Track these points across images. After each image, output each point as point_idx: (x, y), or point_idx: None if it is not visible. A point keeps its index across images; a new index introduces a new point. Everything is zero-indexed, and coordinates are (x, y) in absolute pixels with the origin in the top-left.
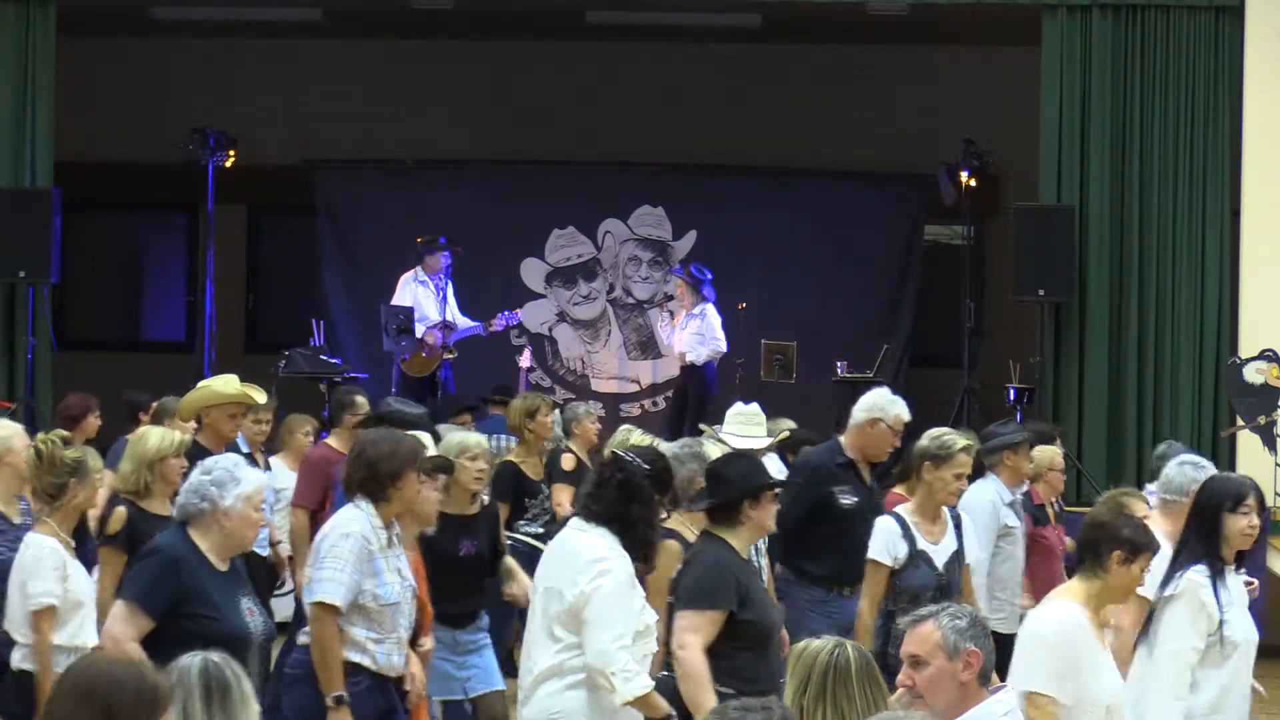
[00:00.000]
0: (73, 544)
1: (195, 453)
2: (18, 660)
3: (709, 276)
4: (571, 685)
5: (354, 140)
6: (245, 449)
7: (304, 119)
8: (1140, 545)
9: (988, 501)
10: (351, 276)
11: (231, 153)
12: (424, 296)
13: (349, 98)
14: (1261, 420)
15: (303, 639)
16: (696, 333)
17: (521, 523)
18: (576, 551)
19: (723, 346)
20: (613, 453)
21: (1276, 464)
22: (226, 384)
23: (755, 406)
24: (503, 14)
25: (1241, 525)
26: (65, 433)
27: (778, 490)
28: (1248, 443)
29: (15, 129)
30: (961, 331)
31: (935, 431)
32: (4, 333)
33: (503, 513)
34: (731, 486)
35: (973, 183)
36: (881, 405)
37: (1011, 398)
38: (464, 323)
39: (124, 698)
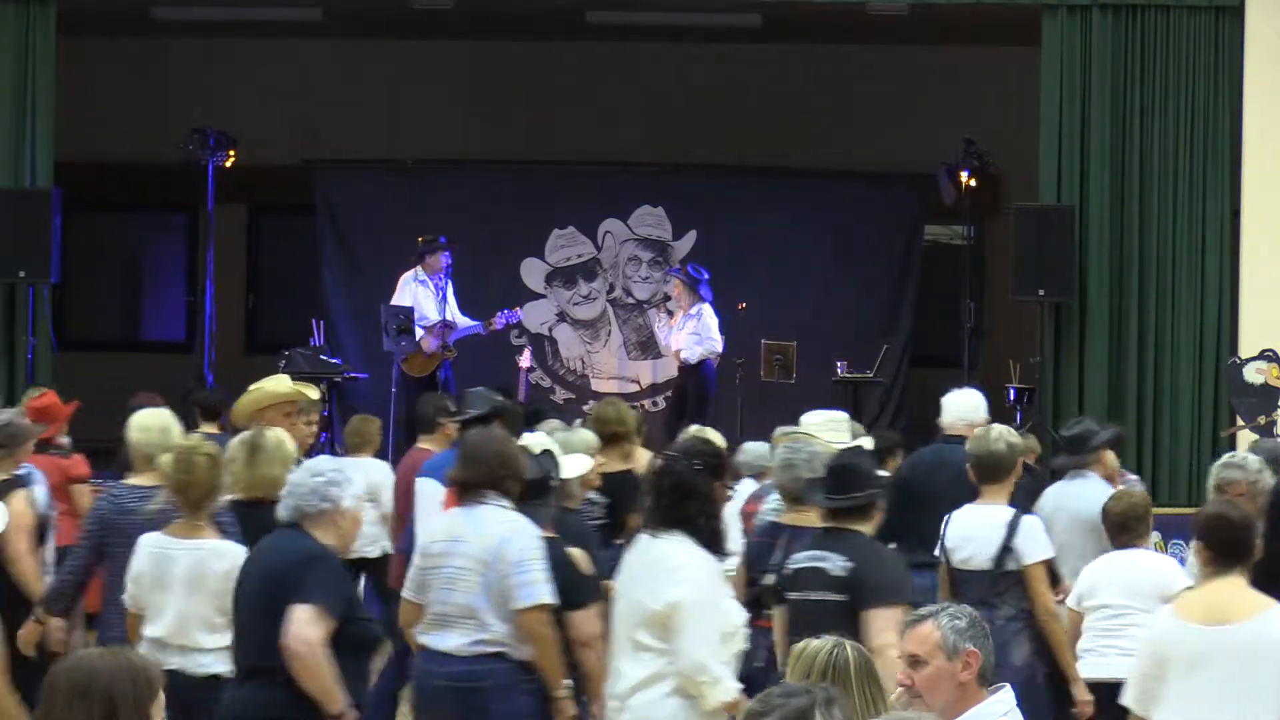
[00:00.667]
0: None
1: None
2: (208, 664)
3: (705, 276)
4: (669, 693)
5: (354, 140)
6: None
7: (304, 119)
8: None
9: (1102, 500)
10: (351, 276)
11: (231, 153)
12: (424, 296)
13: (349, 98)
14: (1261, 420)
15: (475, 648)
16: (693, 333)
17: None
18: (655, 561)
19: (719, 347)
20: (660, 458)
21: None
22: (279, 383)
23: (842, 413)
24: (503, 14)
25: None
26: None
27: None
28: (1248, 443)
29: (15, 129)
30: (961, 331)
31: (1006, 428)
32: (4, 333)
33: None
34: (871, 482)
35: (973, 183)
36: (982, 405)
37: (1011, 398)
38: (464, 322)
39: (123, 686)
